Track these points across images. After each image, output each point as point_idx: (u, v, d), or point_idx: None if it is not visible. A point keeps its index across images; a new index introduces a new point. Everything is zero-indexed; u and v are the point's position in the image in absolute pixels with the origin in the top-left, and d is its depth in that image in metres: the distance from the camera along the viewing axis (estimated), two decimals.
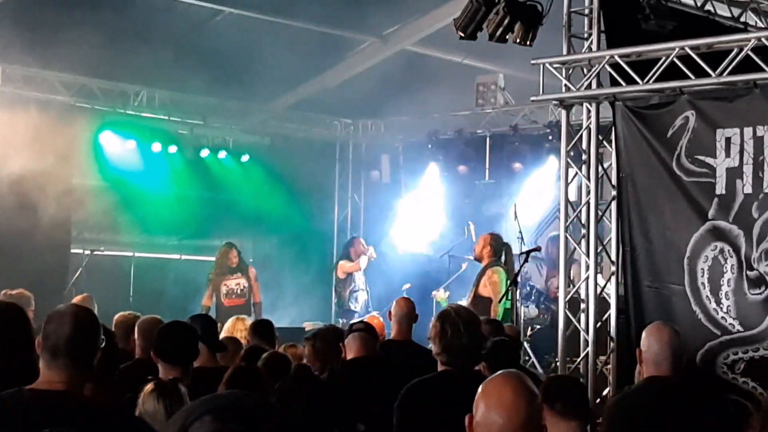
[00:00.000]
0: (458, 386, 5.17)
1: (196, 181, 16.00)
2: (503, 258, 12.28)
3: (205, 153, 16.04)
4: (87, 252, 14.69)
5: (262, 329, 8.40)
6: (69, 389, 3.84)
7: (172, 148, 15.63)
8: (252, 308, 14.34)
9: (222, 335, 8.38)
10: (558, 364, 10.04)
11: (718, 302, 8.78)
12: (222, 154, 16.22)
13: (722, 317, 8.75)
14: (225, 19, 14.88)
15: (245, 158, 16.44)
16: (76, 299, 9.92)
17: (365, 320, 8.38)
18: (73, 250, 14.99)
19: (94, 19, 12.73)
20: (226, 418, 2.14)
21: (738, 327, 8.67)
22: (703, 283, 8.88)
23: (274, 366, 6.37)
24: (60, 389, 3.83)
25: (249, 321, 9.33)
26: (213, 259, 14.89)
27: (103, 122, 14.91)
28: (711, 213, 8.88)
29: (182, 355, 5.84)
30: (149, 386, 4.57)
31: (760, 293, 8.57)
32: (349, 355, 7.09)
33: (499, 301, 11.73)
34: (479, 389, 3.44)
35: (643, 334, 5.76)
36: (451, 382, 5.26)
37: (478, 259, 12.43)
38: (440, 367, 5.37)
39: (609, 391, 9.55)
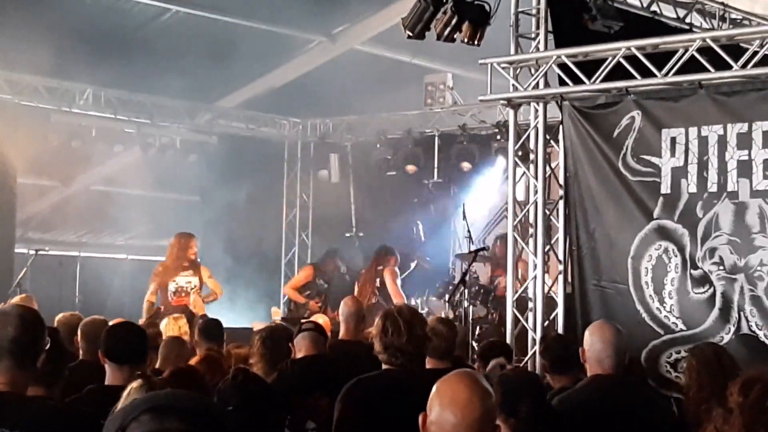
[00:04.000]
0: (399, 385, 5.19)
1: (143, 180, 15.83)
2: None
3: (152, 152, 15.88)
4: (32, 252, 14.42)
5: (210, 330, 8.35)
6: (12, 390, 3.81)
7: (118, 148, 15.48)
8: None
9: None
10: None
11: (662, 301, 8.87)
12: (169, 154, 16.08)
13: (665, 316, 8.84)
14: (172, 17, 14.79)
15: (193, 158, 16.30)
16: (15, 300, 9.77)
17: (313, 320, 8.36)
18: (17, 250, 14.78)
19: (38, 18, 12.59)
20: (165, 416, 2.10)
21: (681, 326, 8.76)
22: (646, 282, 8.96)
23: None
24: (2, 390, 3.79)
25: (184, 320, 9.20)
26: (161, 259, 13.75)
27: (49, 121, 14.71)
28: (656, 212, 8.96)
29: (132, 356, 5.78)
30: (138, 382, 4.47)
31: (704, 292, 8.67)
32: (299, 354, 7.07)
33: None
34: (433, 388, 3.44)
35: (586, 333, 5.79)
36: (392, 381, 5.27)
37: None
38: (384, 366, 5.37)
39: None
